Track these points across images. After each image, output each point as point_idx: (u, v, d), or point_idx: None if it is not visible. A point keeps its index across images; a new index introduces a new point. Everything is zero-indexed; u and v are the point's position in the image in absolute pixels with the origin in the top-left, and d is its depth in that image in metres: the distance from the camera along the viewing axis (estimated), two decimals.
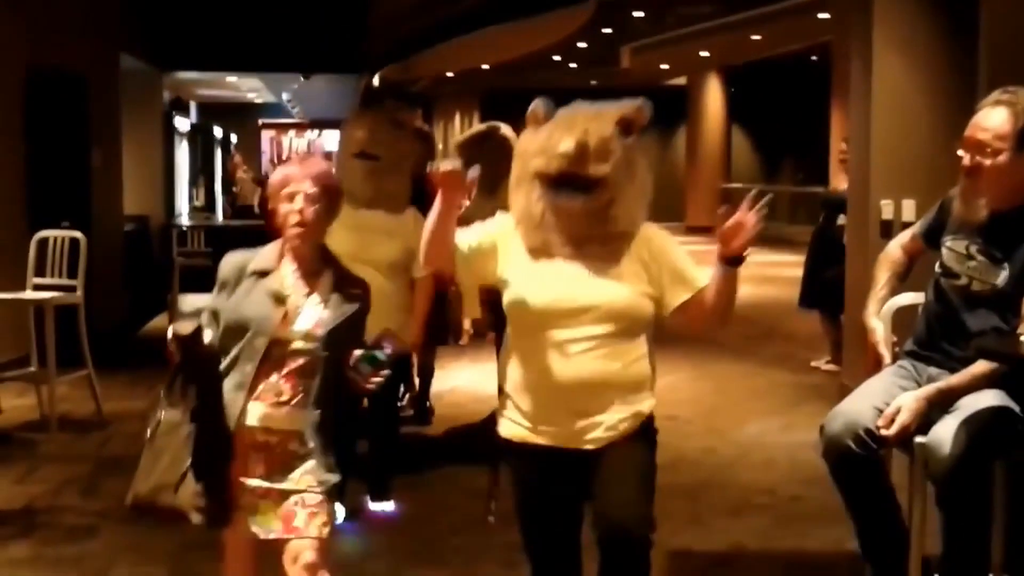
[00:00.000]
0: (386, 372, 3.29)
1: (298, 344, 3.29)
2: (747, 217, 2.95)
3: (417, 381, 7.38)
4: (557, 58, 20.96)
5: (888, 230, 6.89)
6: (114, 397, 7.82)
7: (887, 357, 3.92)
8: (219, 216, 18.06)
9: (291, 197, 3.35)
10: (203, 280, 10.88)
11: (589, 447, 3.17)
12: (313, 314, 3.32)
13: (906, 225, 6.54)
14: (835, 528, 4.98)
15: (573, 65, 21.96)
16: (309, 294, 3.36)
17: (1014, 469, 3.71)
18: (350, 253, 3.83)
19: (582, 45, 18.95)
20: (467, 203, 3.22)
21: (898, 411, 3.59)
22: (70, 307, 7.09)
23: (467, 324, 7.78)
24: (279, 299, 3.31)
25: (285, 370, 3.29)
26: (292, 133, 29.70)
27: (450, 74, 23.30)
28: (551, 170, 3.09)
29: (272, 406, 3.29)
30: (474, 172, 3.15)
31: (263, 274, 3.35)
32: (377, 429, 5.53)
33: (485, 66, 21.61)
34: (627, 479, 3.14)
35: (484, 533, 5.08)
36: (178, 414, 3.31)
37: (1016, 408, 3.54)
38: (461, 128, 28.18)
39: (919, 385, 3.74)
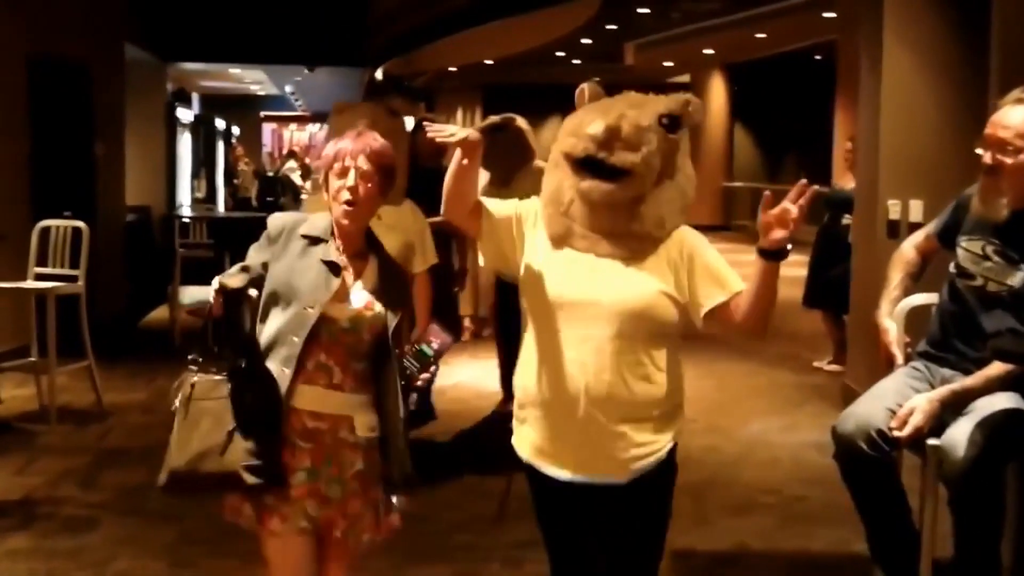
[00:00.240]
0: (434, 368, 3.13)
1: (346, 324, 3.05)
2: (791, 208, 2.71)
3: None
4: (561, 54, 20.92)
5: (895, 230, 6.87)
6: (114, 388, 7.81)
7: (900, 358, 3.89)
8: (220, 208, 18.02)
9: (343, 172, 3.12)
10: (205, 271, 10.92)
11: (602, 478, 2.92)
12: (362, 297, 3.10)
13: (913, 225, 6.53)
14: (840, 529, 4.96)
15: (577, 61, 21.93)
16: (356, 276, 3.14)
17: None
18: None
19: (586, 41, 18.92)
20: (480, 182, 3.10)
21: (911, 413, 3.56)
22: (71, 297, 7.06)
23: (467, 321, 7.77)
24: (335, 270, 3.08)
25: (334, 350, 3.06)
26: (294, 126, 29.68)
27: (453, 68, 23.28)
28: (576, 151, 2.87)
29: (324, 388, 3.06)
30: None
31: (315, 241, 3.12)
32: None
33: (488, 61, 21.59)
34: (634, 551, 2.97)
35: (488, 531, 5.05)
36: (213, 377, 3.03)
37: None
38: (463, 122, 28.16)
39: (932, 386, 3.71)
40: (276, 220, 3.18)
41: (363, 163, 3.11)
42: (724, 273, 2.93)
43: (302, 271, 3.07)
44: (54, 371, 6.98)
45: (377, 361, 3.10)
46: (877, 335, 4.01)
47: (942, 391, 3.61)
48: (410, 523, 5.32)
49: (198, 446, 3.00)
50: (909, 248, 4.14)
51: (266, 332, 3.06)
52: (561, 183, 2.96)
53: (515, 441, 3.07)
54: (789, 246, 2.77)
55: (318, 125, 29.05)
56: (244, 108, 25.61)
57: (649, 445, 2.91)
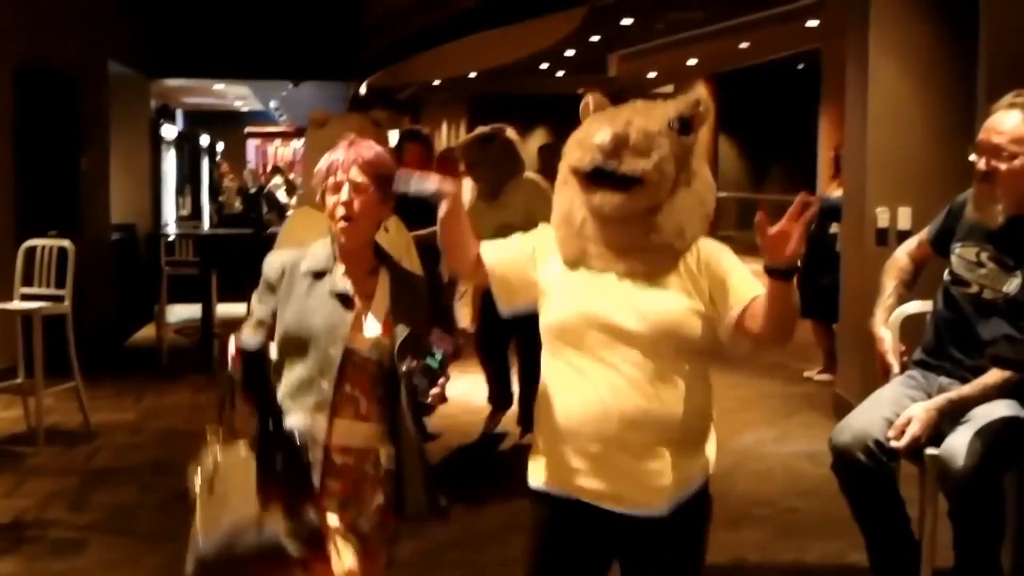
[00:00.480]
0: (443, 380, 2.87)
1: (368, 353, 2.92)
2: (792, 225, 2.57)
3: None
4: (545, 65, 20.93)
5: (884, 238, 6.87)
6: (102, 408, 7.75)
7: (896, 366, 3.87)
8: (206, 224, 17.98)
9: (337, 187, 2.95)
10: (191, 289, 10.86)
11: (641, 510, 2.74)
12: (378, 321, 2.96)
13: (902, 233, 6.53)
14: (835, 541, 4.94)
15: (561, 72, 21.94)
16: (370, 297, 2.98)
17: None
18: None
19: (570, 52, 18.92)
20: (467, 196, 2.97)
21: (908, 422, 3.54)
22: (57, 317, 7.01)
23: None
24: (347, 301, 2.93)
25: (359, 379, 2.93)
26: (278, 141, 29.65)
27: (437, 81, 23.27)
28: (584, 164, 2.72)
29: (351, 419, 2.93)
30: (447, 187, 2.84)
31: (319, 275, 2.97)
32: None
33: (473, 73, 21.58)
34: None
35: (481, 547, 5.02)
36: (237, 449, 2.87)
37: None
38: (448, 135, 28.14)
39: (928, 395, 3.69)
40: (273, 263, 3.03)
41: (356, 175, 2.95)
42: (743, 279, 2.77)
43: (313, 310, 2.93)
44: (41, 392, 6.92)
45: (389, 383, 2.95)
46: (871, 344, 3.99)
47: (939, 400, 3.59)
48: (402, 537, 5.26)
49: (230, 524, 2.82)
50: (902, 255, 4.12)
51: (287, 381, 2.93)
52: (572, 202, 2.82)
53: (535, 471, 2.86)
54: (798, 263, 2.62)
55: (302, 140, 29.03)
56: (228, 124, 25.59)
57: (689, 470, 2.76)
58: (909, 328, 4.03)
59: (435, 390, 2.84)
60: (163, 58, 14.16)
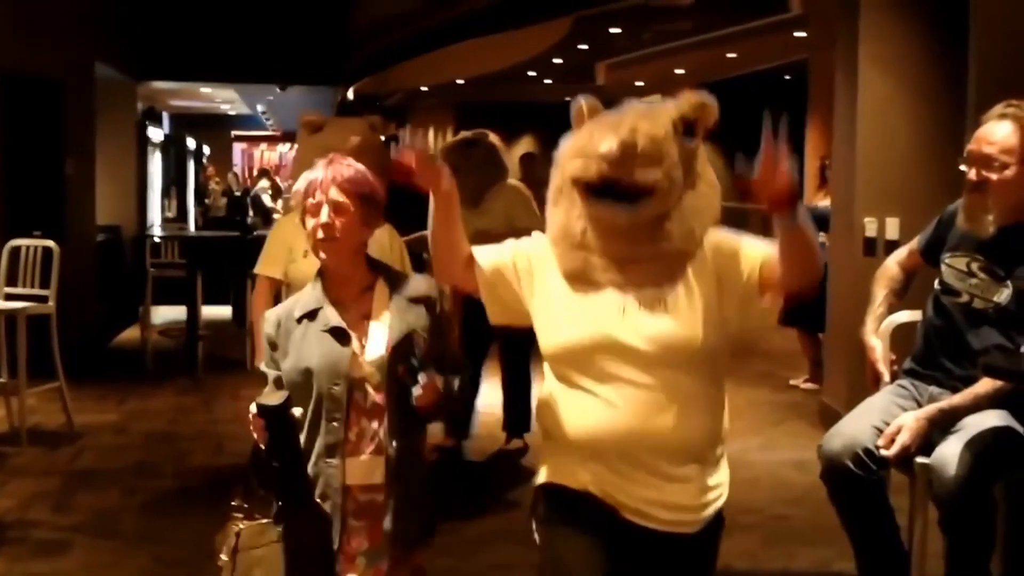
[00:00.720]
0: (425, 381, 2.74)
1: (378, 378, 2.82)
2: (773, 164, 2.37)
3: None
4: (533, 73, 20.94)
5: (872, 248, 6.88)
6: (85, 409, 7.71)
7: (886, 375, 3.86)
8: (192, 227, 17.91)
9: (316, 208, 2.84)
10: (176, 291, 10.82)
11: (643, 523, 2.63)
12: (380, 338, 2.84)
13: (890, 243, 6.55)
14: (822, 549, 4.94)
15: (548, 80, 21.95)
16: (367, 317, 2.87)
17: (1015, 490, 3.65)
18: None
19: (558, 60, 18.93)
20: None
21: (898, 431, 3.53)
22: (41, 317, 6.97)
23: None
24: (341, 335, 2.82)
25: (374, 410, 2.83)
26: (264, 145, 29.59)
27: (425, 88, 23.25)
28: (590, 175, 2.55)
29: (371, 455, 2.83)
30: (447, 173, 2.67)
31: (312, 316, 2.87)
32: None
33: (460, 80, 21.58)
34: None
35: (470, 555, 4.99)
36: (260, 522, 2.80)
37: (1021, 429, 3.49)
38: (435, 142, 28.14)
39: (919, 404, 3.68)
40: (270, 318, 2.96)
41: (336, 195, 2.85)
42: (746, 249, 2.64)
43: (309, 351, 2.83)
44: (24, 392, 6.88)
45: (401, 400, 2.82)
46: (862, 353, 3.98)
47: (929, 409, 3.58)
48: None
49: None
50: (893, 265, 4.12)
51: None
52: (569, 213, 2.66)
53: (552, 474, 2.72)
54: (798, 200, 2.44)
55: (288, 145, 28.96)
56: (215, 127, 25.53)
57: (714, 487, 2.69)
58: (899, 337, 4.03)
59: (424, 393, 2.74)
60: (150, 61, 14.11)
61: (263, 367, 2.97)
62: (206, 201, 19.93)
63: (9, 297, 7.03)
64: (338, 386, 2.80)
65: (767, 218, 2.49)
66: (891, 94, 6.96)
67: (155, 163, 16.22)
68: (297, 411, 2.77)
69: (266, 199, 18.28)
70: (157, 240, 12.19)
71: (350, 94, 18.44)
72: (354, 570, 2.85)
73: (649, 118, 2.61)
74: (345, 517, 2.84)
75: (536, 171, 11.33)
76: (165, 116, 21.66)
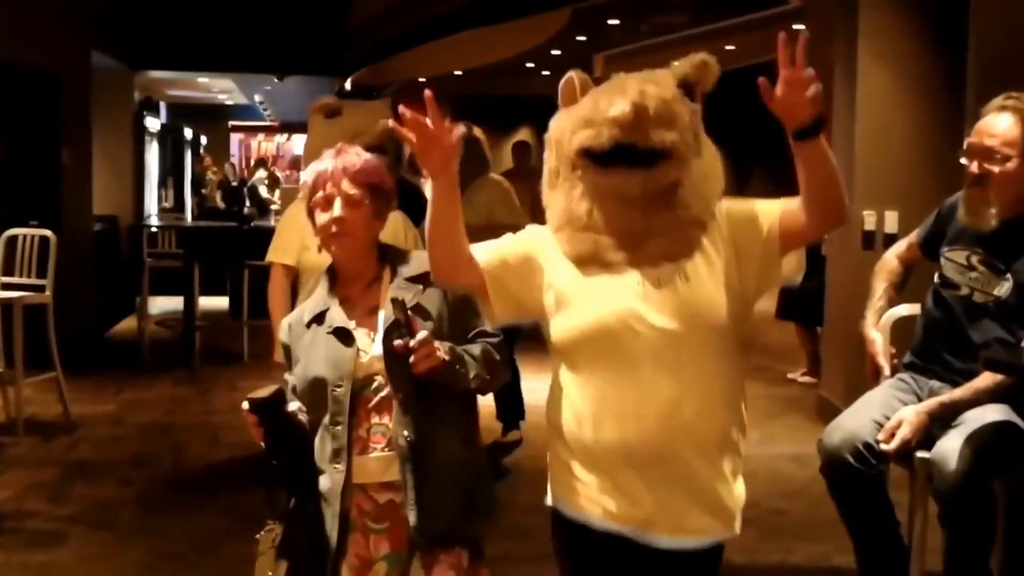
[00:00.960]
0: (415, 342, 2.55)
1: (385, 371, 2.67)
2: (794, 70, 2.24)
3: None
4: (530, 65, 20.91)
5: (870, 241, 6.87)
6: (82, 400, 7.70)
7: (886, 369, 3.85)
8: (188, 217, 17.89)
9: (328, 201, 2.70)
10: (173, 281, 10.80)
11: (662, 540, 2.45)
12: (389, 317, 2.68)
13: (888, 237, 6.54)
14: (820, 543, 4.93)
15: (546, 72, 21.92)
16: (375, 310, 2.73)
17: (1015, 484, 3.65)
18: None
19: (556, 52, 18.91)
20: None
21: (899, 425, 3.52)
22: (38, 307, 6.95)
23: None
24: (344, 335, 2.70)
25: (384, 404, 2.68)
26: (261, 136, 29.52)
27: (422, 79, 23.24)
28: (603, 142, 2.38)
29: (384, 451, 2.68)
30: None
31: (320, 318, 2.75)
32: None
33: (457, 72, 21.55)
34: None
35: None
36: (275, 524, 2.69)
37: (1021, 424, 3.48)
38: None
39: (919, 398, 3.68)
40: (282, 329, 2.85)
41: (348, 187, 2.70)
42: (760, 206, 2.51)
43: (316, 355, 2.71)
44: (21, 382, 6.87)
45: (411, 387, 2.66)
46: (862, 346, 3.97)
47: (930, 403, 3.57)
48: None
49: None
50: (892, 258, 4.11)
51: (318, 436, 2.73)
52: (570, 195, 2.50)
53: (566, 500, 2.53)
54: (820, 114, 2.32)
55: (286, 135, 28.89)
56: (212, 118, 25.46)
57: (741, 481, 2.53)
58: (899, 331, 4.02)
59: (417, 351, 2.58)
60: (147, 50, 14.09)
61: (286, 376, 2.86)
62: (203, 191, 19.89)
63: (6, 287, 7.01)
64: (340, 388, 2.67)
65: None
66: (890, 88, 6.95)
67: (152, 153, 16.22)
68: (293, 405, 2.68)
69: (263, 190, 18.25)
70: (154, 230, 12.17)
71: (347, 85, 18.41)
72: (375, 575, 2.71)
73: (652, 81, 2.46)
74: (356, 521, 2.71)
75: (529, 159, 11.33)
76: (162, 106, 21.62)
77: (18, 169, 9.08)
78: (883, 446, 3.53)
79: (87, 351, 9.50)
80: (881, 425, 3.57)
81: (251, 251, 9.82)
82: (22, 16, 9.23)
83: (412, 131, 2.39)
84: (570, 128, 2.50)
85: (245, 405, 2.59)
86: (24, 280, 7.04)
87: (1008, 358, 3.40)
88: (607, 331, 2.41)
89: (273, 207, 16.34)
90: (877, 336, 3.91)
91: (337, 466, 2.67)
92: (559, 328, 2.48)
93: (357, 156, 2.78)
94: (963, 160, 3.66)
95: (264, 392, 2.58)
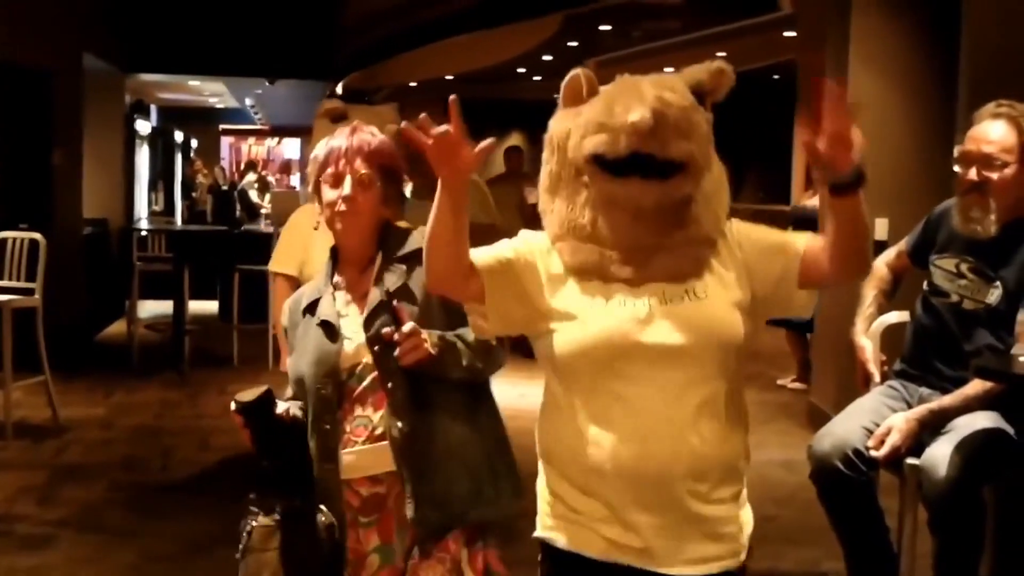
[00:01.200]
0: (408, 328, 2.48)
1: (371, 359, 2.60)
2: (841, 120, 2.11)
3: None
4: (522, 70, 20.93)
5: None
6: (71, 403, 7.68)
7: (877, 376, 3.87)
8: (178, 221, 17.87)
9: (337, 179, 2.60)
10: (163, 285, 10.78)
11: (663, 571, 2.29)
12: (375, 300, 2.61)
13: (879, 244, 6.54)
14: (809, 549, 4.93)
15: (537, 78, 21.94)
16: (366, 294, 2.63)
17: (1004, 491, 3.66)
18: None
19: (548, 58, 18.93)
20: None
21: (888, 432, 3.53)
22: (27, 310, 6.93)
23: None
24: (330, 328, 2.62)
25: (369, 395, 2.61)
26: (252, 139, 29.51)
27: (413, 84, 23.26)
28: (618, 150, 2.22)
29: (367, 443, 2.60)
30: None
31: (313, 307, 2.69)
32: None
33: (449, 76, 21.57)
34: None
35: None
36: (269, 522, 2.59)
37: (1011, 431, 3.49)
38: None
39: (909, 405, 3.69)
40: (285, 307, 2.79)
41: (361, 166, 2.60)
42: (778, 238, 2.38)
43: (305, 348, 2.66)
44: (10, 385, 6.84)
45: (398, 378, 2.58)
46: (852, 353, 3.98)
47: (920, 410, 3.58)
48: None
49: None
50: (881, 266, 4.12)
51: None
52: (572, 201, 2.34)
53: (559, 529, 2.37)
54: (862, 165, 2.19)
55: (277, 139, 28.87)
56: (203, 121, 25.43)
57: (749, 512, 2.41)
58: (889, 338, 4.03)
59: (386, 328, 2.53)
60: (138, 53, 14.06)
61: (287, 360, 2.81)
62: (193, 195, 19.87)
63: None
64: (327, 386, 2.60)
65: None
66: (881, 94, 6.96)
67: (142, 156, 16.21)
68: (282, 406, 2.62)
69: (253, 194, 18.23)
70: (144, 234, 12.14)
71: (339, 89, 18.41)
72: (366, 570, 2.65)
73: (669, 87, 2.29)
74: (350, 513, 2.64)
75: (521, 164, 11.35)
76: (153, 109, 21.58)
77: (9, 171, 9.07)
78: (873, 453, 3.54)
79: (76, 354, 9.47)
80: (871, 432, 3.58)
81: (241, 255, 9.85)
82: (14, 17, 9.22)
83: (430, 138, 2.21)
84: (579, 131, 2.32)
85: (232, 406, 2.54)
86: (13, 283, 7.03)
87: (998, 365, 3.42)
88: (609, 349, 2.26)
89: (263, 211, 16.32)
90: (867, 343, 3.93)
91: (327, 465, 2.61)
92: (558, 344, 2.31)
93: (372, 136, 2.69)
94: (957, 168, 3.67)
95: (251, 394, 2.53)
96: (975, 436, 3.42)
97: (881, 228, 6.83)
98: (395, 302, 2.58)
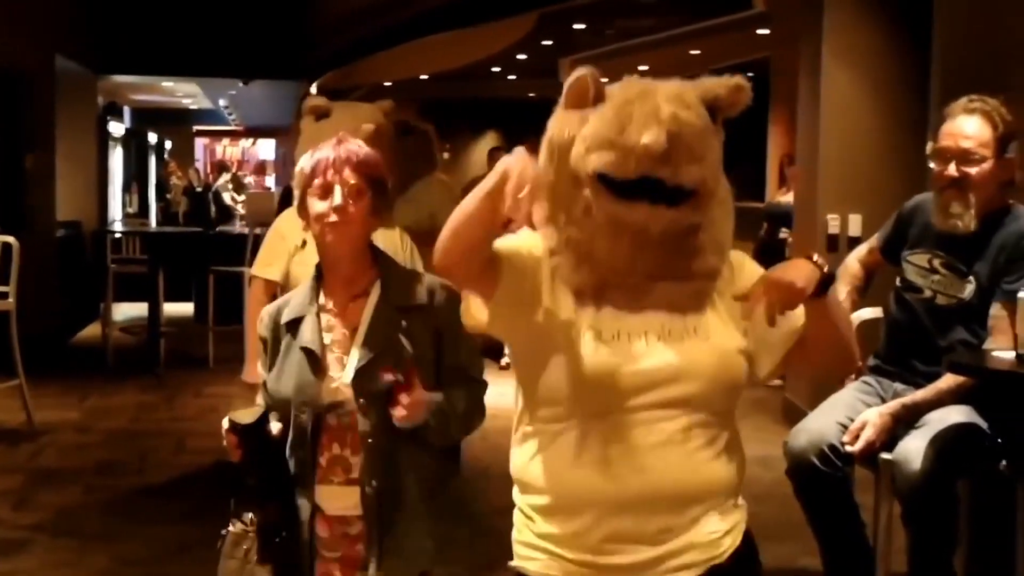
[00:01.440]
0: (404, 398, 2.45)
1: (354, 401, 2.54)
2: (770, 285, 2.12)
3: None
4: (496, 69, 20.93)
5: (835, 244, 6.91)
6: (46, 407, 7.63)
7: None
8: (153, 222, 17.79)
9: (326, 190, 2.53)
10: (138, 287, 10.73)
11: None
12: (362, 355, 2.55)
13: (853, 240, 6.58)
14: (786, 544, 4.93)
15: (512, 77, 21.95)
16: (355, 330, 2.57)
17: (978, 486, 3.68)
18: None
19: (522, 57, 18.94)
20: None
21: (863, 426, 3.54)
22: (1, 313, 6.90)
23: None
24: (313, 359, 2.55)
25: (351, 436, 2.55)
26: (226, 140, 29.40)
27: (388, 83, 23.24)
28: (627, 172, 2.09)
29: (342, 485, 2.56)
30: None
31: (295, 325, 2.60)
32: None
33: (424, 76, 21.55)
34: None
35: None
36: (241, 530, 2.57)
37: (984, 425, 3.51)
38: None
39: (883, 401, 3.70)
40: (263, 315, 2.69)
41: (350, 176, 2.54)
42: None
43: (287, 371, 2.59)
44: None
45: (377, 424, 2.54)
46: None
47: (893, 405, 3.60)
48: None
49: None
50: (853, 262, 4.12)
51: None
52: (568, 212, 2.18)
53: (518, 561, 2.30)
54: (826, 268, 2.16)
55: (251, 140, 28.77)
56: (176, 122, 25.32)
57: (734, 518, 2.34)
58: (863, 334, 4.04)
59: (398, 411, 2.46)
60: (111, 54, 13.99)
61: (258, 369, 2.74)
62: (167, 196, 19.78)
63: None
64: (304, 415, 2.55)
65: None
66: (854, 91, 6.99)
67: (116, 158, 16.12)
68: (275, 427, 2.59)
69: (226, 197, 18.15)
70: (118, 236, 12.07)
71: (313, 89, 18.37)
72: None
73: (683, 103, 2.14)
74: (316, 549, 2.61)
75: None
76: (126, 110, 21.48)
77: None
78: (848, 448, 3.56)
79: (51, 358, 9.43)
80: (846, 427, 3.60)
81: (216, 256, 9.81)
82: None
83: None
84: (584, 142, 2.15)
85: (226, 424, 2.53)
86: None
87: (971, 361, 3.44)
88: (597, 384, 2.15)
89: (238, 212, 16.24)
90: None
91: (303, 489, 2.59)
92: (550, 374, 2.19)
93: (359, 147, 2.63)
94: (933, 164, 3.66)
95: (248, 417, 2.52)
96: (948, 430, 3.44)
97: (855, 224, 6.88)
98: (396, 377, 2.47)
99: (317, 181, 2.56)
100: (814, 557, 3.88)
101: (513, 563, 2.32)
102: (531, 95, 21.74)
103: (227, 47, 14.51)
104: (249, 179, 22.56)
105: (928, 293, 3.71)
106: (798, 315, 2.23)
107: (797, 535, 4.19)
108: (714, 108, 2.20)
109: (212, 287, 9.57)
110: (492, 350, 8.83)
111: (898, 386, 3.73)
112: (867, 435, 3.53)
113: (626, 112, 2.12)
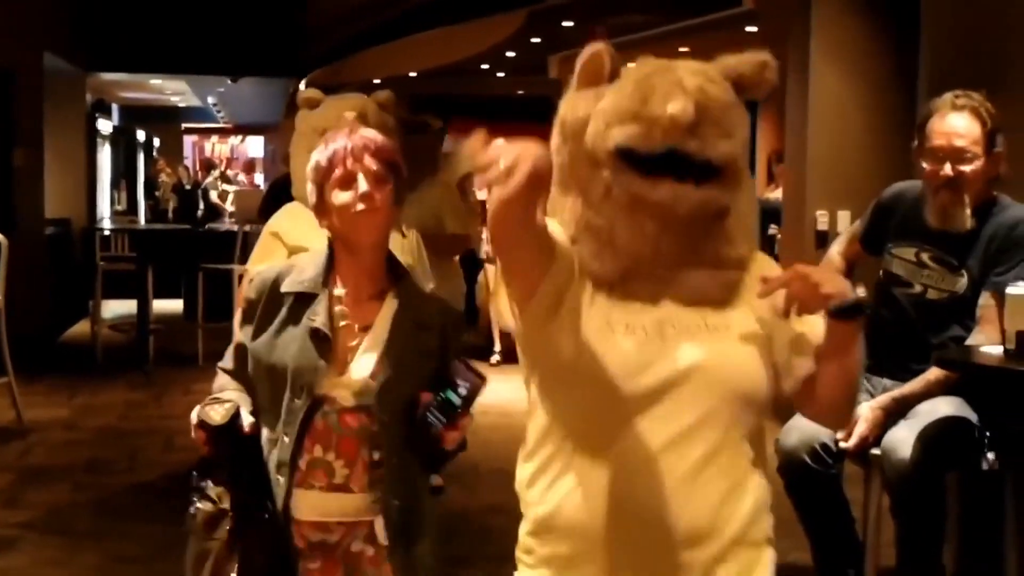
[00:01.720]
0: (465, 422, 2.32)
1: (351, 403, 2.40)
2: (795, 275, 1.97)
3: None
4: (485, 66, 20.93)
5: (823, 241, 6.93)
6: (35, 404, 7.62)
7: None
8: (142, 220, 17.77)
9: (348, 179, 2.39)
10: (127, 285, 10.72)
11: None
12: (372, 357, 2.41)
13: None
14: (777, 541, 4.94)
15: (501, 74, 21.94)
16: (366, 328, 2.44)
17: (967, 478, 3.69)
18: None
19: (511, 54, 18.94)
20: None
21: (855, 422, 3.55)
22: None
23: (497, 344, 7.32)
24: (322, 340, 2.40)
25: (335, 439, 2.41)
26: (215, 138, 29.36)
27: (377, 80, 23.23)
28: (653, 145, 1.93)
29: (324, 490, 2.41)
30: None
31: (305, 299, 2.44)
32: None
33: (413, 73, 21.55)
34: None
35: None
36: (217, 509, 2.46)
37: (974, 418, 3.51)
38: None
39: (872, 395, 3.69)
40: (257, 279, 2.52)
41: (371, 163, 2.41)
42: (805, 327, 2.05)
43: (286, 343, 2.42)
44: None
45: (385, 439, 2.41)
46: None
47: (883, 399, 3.60)
48: None
49: None
50: (835, 255, 4.10)
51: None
52: (586, 197, 2.03)
53: None
54: (858, 298, 2.00)
55: (240, 138, 28.73)
56: (165, 120, 25.28)
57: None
58: None
59: (454, 433, 2.34)
60: (99, 52, 13.96)
61: (235, 326, 2.58)
62: (156, 194, 19.76)
63: None
64: (300, 400, 2.39)
65: None
66: (842, 88, 7.02)
67: (104, 155, 16.11)
68: (248, 420, 2.44)
69: (214, 194, 18.14)
70: (107, 233, 12.06)
71: (302, 85, 18.36)
72: None
73: (708, 76, 1.99)
74: (296, 552, 2.47)
75: None
76: (115, 108, 21.44)
77: None
78: (842, 443, 3.56)
79: (40, 355, 9.40)
80: None
81: (205, 254, 9.80)
82: None
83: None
84: (602, 118, 2.00)
85: (195, 418, 2.39)
86: None
87: (960, 356, 3.44)
88: (623, 383, 1.98)
89: (227, 210, 16.23)
90: None
91: (279, 478, 2.43)
92: (556, 367, 2.05)
93: (375, 134, 2.50)
94: (925, 164, 3.62)
95: (219, 416, 2.37)
96: (937, 422, 3.43)
97: (844, 220, 6.89)
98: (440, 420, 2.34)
99: (337, 172, 2.41)
100: (804, 553, 3.89)
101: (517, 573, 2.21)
102: (520, 92, 21.75)
103: (215, 44, 14.50)
104: (241, 177, 22.49)
105: (918, 288, 3.69)
106: (816, 331, 2.06)
107: (787, 531, 4.17)
108: (738, 88, 2.04)
109: (201, 284, 9.55)
110: (482, 348, 8.85)
111: (886, 381, 3.71)
112: (860, 430, 3.53)
113: (648, 84, 1.97)
